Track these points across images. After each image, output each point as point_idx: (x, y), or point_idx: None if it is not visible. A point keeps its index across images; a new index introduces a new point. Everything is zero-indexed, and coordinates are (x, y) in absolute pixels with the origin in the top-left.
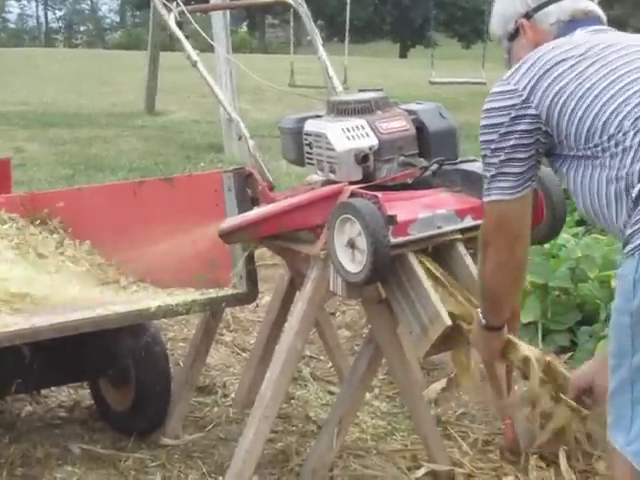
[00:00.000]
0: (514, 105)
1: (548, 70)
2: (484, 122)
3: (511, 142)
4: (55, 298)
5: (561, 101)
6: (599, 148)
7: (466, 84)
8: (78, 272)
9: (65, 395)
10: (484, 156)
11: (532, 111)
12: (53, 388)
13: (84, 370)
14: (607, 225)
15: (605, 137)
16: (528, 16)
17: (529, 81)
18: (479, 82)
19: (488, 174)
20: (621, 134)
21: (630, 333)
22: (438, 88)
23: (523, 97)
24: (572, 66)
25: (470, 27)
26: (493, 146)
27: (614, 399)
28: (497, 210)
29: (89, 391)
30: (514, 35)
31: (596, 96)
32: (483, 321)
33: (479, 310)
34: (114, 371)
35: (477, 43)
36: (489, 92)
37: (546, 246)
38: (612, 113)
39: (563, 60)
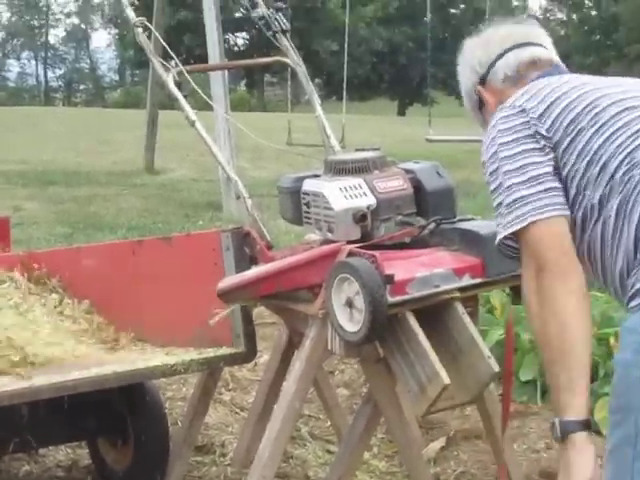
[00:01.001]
0: (527, 122)
1: (557, 99)
2: (492, 150)
3: (526, 160)
4: (53, 358)
5: (573, 134)
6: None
7: (464, 142)
8: (76, 331)
9: (63, 454)
10: (496, 188)
11: (544, 132)
12: (51, 447)
13: (82, 429)
14: (605, 281)
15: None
16: (482, 82)
17: (538, 104)
18: (477, 140)
19: (504, 202)
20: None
21: (638, 386)
22: (436, 146)
23: (535, 115)
24: (579, 96)
25: None
26: (505, 168)
27: (613, 455)
28: (537, 229)
29: (87, 450)
30: (481, 104)
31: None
32: (557, 421)
33: (555, 422)
34: (112, 430)
35: None
36: (494, 119)
37: None
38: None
39: (565, 93)
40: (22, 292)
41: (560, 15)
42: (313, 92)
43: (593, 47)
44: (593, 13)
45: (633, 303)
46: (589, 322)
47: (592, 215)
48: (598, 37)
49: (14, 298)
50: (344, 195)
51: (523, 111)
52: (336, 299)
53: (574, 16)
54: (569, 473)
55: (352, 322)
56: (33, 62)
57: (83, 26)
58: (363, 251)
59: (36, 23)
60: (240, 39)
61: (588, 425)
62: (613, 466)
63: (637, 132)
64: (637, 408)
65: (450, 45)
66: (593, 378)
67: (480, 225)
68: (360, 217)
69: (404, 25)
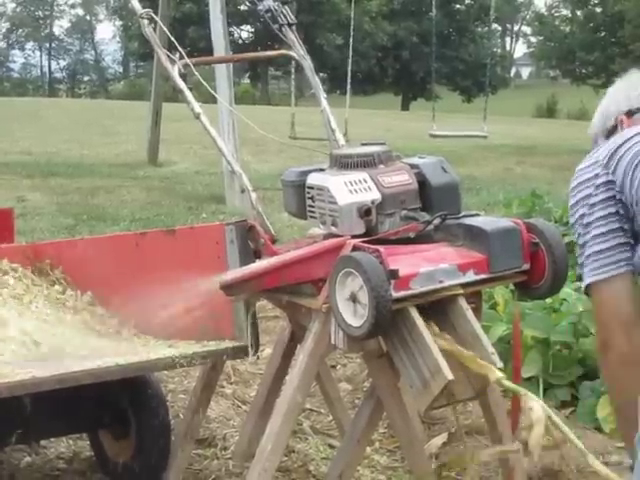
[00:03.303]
0: (596, 175)
1: (627, 140)
2: (573, 200)
3: (596, 214)
4: (56, 349)
5: (633, 166)
6: None
7: (467, 137)
8: (79, 323)
9: (64, 446)
10: (578, 235)
11: (610, 177)
12: (52, 439)
13: (84, 421)
14: None
15: None
16: (630, 113)
17: (608, 152)
18: (480, 135)
19: (583, 256)
20: None
21: None
22: (439, 141)
23: (603, 165)
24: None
25: (472, 80)
26: (585, 221)
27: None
28: (599, 295)
29: (88, 442)
30: (611, 132)
31: None
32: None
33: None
34: (114, 423)
35: (479, 96)
36: (577, 169)
37: (548, 300)
38: None
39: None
40: (25, 283)
41: (565, 12)
42: (319, 86)
43: (598, 44)
44: (598, 10)
45: None
46: None
47: None
48: (603, 34)
49: (17, 289)
50: (349, 189)
51: (597, 162)
52: (340, 294)
53: (579, 13)
54: None
55: (355, 317)
56: (37, 53)
57: (88, 17)
58: (367, 246)
59: (41, 14)
60: (245, 32)
61: None
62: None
63: None
64: None
65: (454, 40)
66: (595, 375)
67: (485, 221)
68: (365, 211)
69: (408, 20)
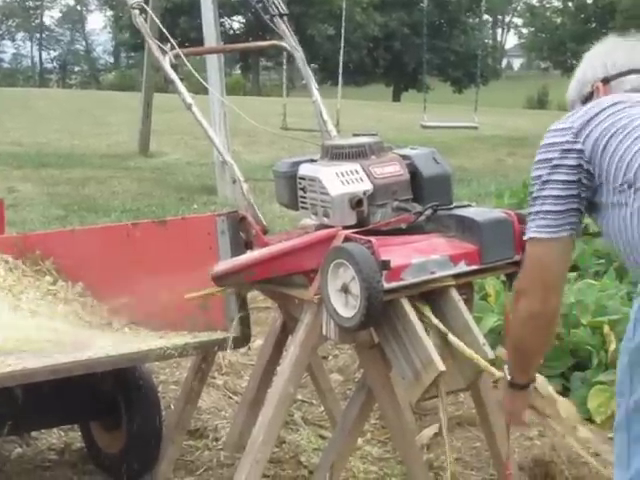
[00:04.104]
0: (567, 141)
1: (603, 110)
2: (538, 157)
3: (556, 177)
4: (47, 340)
5: (606, 139)
6: (625, 186)
7: (458, 128)
8: (70, 314)
9: (56, 437)
10: (531, 192)
11: (579, 146)
12: (43, 430)
13: (75, 413)
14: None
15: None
16: (606, 80)
17: (583, 120)
18: (471, 126)
19: (532, 210)
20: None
21: (629, 373)
22: (430, 132)
23: (575, 133)
24: (624, 109)
25: (463, 71)
26: (542, 179)
27: (615, 437)
28: (534, 250)
29: (80, 434)
30: (588, 98)
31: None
32: (508, 377)
33: (505, 367)
34: (105, 414)
35: (470, 88)
36: (549, 128)
37: None
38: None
39: (617, 103)
40: (16, 274)
41: (556, 3)
42: (310, 77)
43: (589, 35)
44: (589, 1)
45: (638, 288)
46: (546, 344)
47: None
48: (594, 25)
49: (8, 280)
50: (340, 180)
51: (570, 128)
52: (331, 284)
53: (570, 4)
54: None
55: (347, 308)
56: (28, 43)
57: (78, 8)
58: (359, 237)
59: (31, 4)
60: (236, 23)
61: (527, 385)
62: (615, 446)
63: None
64: (628, 393)
65: (446, 32)
66: (586, 366)
67: (477, 212)
68: (356, 202)
69: (400, 11)
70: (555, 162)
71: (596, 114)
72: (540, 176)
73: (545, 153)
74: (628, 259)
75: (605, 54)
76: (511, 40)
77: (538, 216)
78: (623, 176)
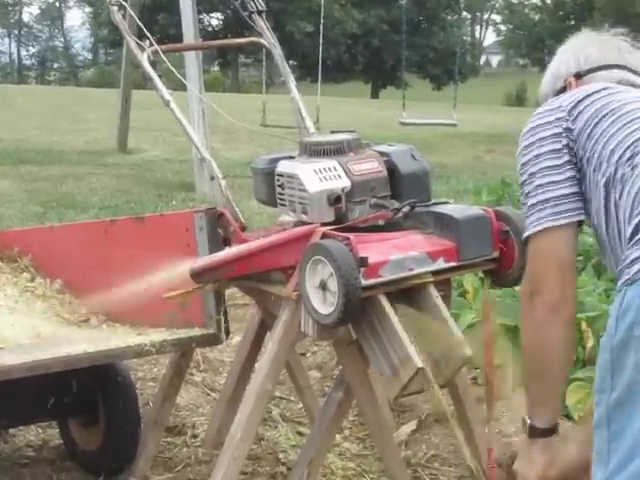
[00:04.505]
0: (558, 119)
1: (595, 92)
2: (525, 142)
3: (548, 163)
4: (24, 337)
5: (596, 120)
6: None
7: (437, 125)
8: (48, 311)
9: (33, 434)
10: (523, 182)
11: (570, 125)
12: (21, 427)
13: (53, 409)
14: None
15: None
16: (578, 76)
17: (574, 99)
18: (450, 123)
19: (528, 203)
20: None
21: (610, 369)
22: (409, 129)
23: (567, 110)
24: (613, 93)
25: (442, 68)
26: (530, 171)
27: (595, 435)
28: (539, 245)
29: (58, 430)
30: (560, 92)
31: (628, 122)
32: (528, 421)
33: (525, 417)
34: (83, 411)
35: (449, 85)
36: (534, 112)
37: (517, 288)
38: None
39: (605, 88)
40: None
41: (535, 0)
42: (289, 74)
43: (567, 32)
44: None
45: (617, 284)
46: (571, 349)
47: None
48: (573, 22)
49: None
50: (319, 177)
51: (559, 107)
52: (309, 281)
53: (548, 1)
54: (528, 463)
55: (325, 304)
56: (6, 40)
57: (57, 4)
58: (337, 233)
59: (10, 0)
60: (215, 19)
61: (554, 430)
62: (595, 443)
63: None
64: (609, 390)
65: (424, 28)
66: None
67: (455, 209)
68: (334, 199)
69: (378, 8)
70: (549, 146)
71: (588, 95)
72: (527, 162)
73: (535, 135)
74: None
75: (578, 49)
76: (490, 37)
77: (535, 208)
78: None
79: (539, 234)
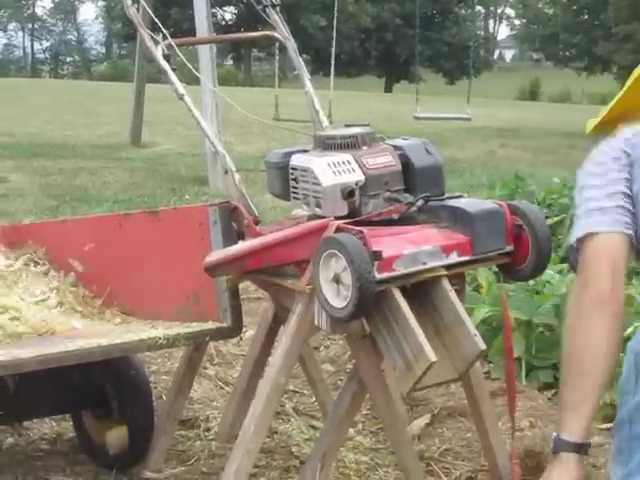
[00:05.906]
0: (624, 151)
1: None
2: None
3: (608, 177)
4: (38, 331)
5: None
6: None
7: (450, 119)
8: (62, 304)
9: (48, 427)
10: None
11: (631, 158)
12: (35, 420)
13: (67, 402)
14: None
15: None
16: None
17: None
18: (464, 118)
19: (582, 210)
20: None
21: (635, 372)
22: (422, 123)
23: (631, 144)
24: None
25: (455, 63)
26: (597, 182)
27: (616, 433)
28: (591, 245)
29: (72, 423)
30: None
31: None
32: (554, 435)
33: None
34: (97, 404)
35: (462, 79)
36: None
37: (530, 282)
38: None
39: None
40: (7, 264)
41: None
42: (303, 67)
43: (581, 26)
44: None
45: None
46: (614, 349)
47: None
48: (586, 17)
49: None
50: (332, 171)
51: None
52: (323, 275)
53: None
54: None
55: (339, 298)
56: (20, 34)
57: None
58: (351, 227)
59: None
60: (228, 13)
61: (581, 448)
62: (616, 441)
63: None
64: (632, 392)
65: (438, 23)
66: None
67: (469, 203)
68: (348, 193)
69: (392, 2)
70: (611, 174)
71: None
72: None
73: (597, 167)
74: None
75: None
76: (503, 31)
77: (591, 213)
78: None
79: (592, 236)
